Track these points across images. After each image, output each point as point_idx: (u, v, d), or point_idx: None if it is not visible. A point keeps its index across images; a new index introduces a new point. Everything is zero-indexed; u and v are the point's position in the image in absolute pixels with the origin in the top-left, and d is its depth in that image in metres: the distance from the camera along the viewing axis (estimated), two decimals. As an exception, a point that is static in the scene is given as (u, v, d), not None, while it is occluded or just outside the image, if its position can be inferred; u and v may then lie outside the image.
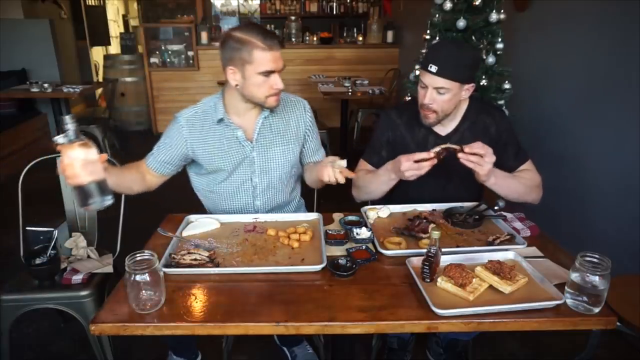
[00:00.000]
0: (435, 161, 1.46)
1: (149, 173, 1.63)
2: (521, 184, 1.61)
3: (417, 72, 1.63)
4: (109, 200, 1.14)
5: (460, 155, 1.44)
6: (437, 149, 1.46)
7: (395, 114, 1.76)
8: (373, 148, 1.78)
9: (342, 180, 1.44)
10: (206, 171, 1.66)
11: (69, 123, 1.06)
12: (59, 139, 1.07)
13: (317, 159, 1.76)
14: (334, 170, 1.43)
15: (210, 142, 1.60)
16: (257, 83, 1.47)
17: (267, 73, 1.45)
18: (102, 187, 1.12)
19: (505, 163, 1.63)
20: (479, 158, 1.43)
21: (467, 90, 1.57)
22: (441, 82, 1.50)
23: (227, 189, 1.68)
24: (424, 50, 2.86)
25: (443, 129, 1.68)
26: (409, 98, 2.99)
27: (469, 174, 1.51)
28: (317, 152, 1.77)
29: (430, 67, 1.49)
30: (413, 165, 1.46)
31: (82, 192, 1.10)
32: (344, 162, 1.45)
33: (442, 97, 1.53)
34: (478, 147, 1.43)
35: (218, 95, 1.62)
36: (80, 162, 1.07)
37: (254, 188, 1.68)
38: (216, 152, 1.60)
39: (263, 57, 1.42)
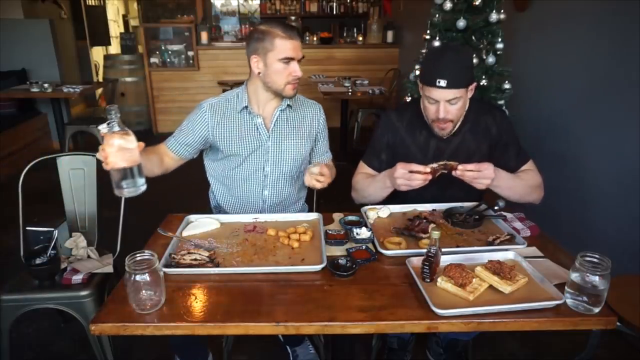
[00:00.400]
0: (429, 177, 1.47)
1: (167, 155, 1.69)
2: (522, 184, 1.61)
3: (421, 89, 1.59)
4: (142, 186, 1.18)
5: (455, 172, 1.45)
6: (435, 165, 1.47)
7: (395, 116, 1.75)
8: (373, 150, 1.78)
9: (318, 186, 1.54)
10: (222, 156, 1.71)
11: (113, 113, 1.12)
12: (103, 128, 1.13)
13: (323, 160, 1.83)
14: (310, 177, 1.53)
15: (230, 127, 1.69)
16: (277, 70, 1.56)
17: (287, 60, 1.55)
18: (138, 172, 1.16)
19: (507, 164, 1.63)
20: (476, 173, 1.44)
21: (471, 90, 1.58)
22: (452, 93, 1.49)
23: (240, 175, 1.73)
24: (421, 59, 2.86)
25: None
26: (409, 98, 2.99)
27: None
28: (325, 154, 1.86)
29: (439, 82, 1.47)
30: (406, 175, 1.47)
31: (118, 177, 1.14)
32: (316, 169, 1.52)
33: (455, 107, 1.53)
34: (473, 166, 1.44)
35: (241, 88, 1.71)
36: (117, 149, 1.11)
37: (265, 177, 1.73)
38: (234, 137, 1.68)
39: (283, 44, 1.54)
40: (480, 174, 1.44)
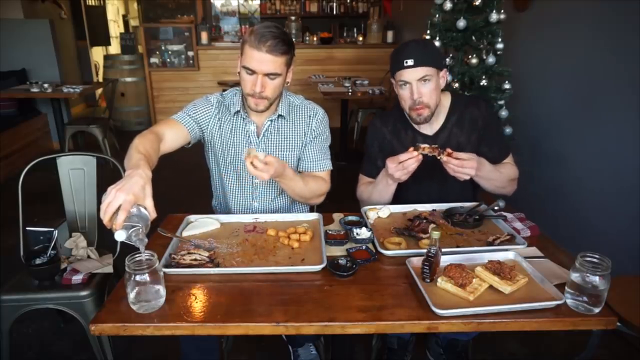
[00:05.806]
0: (419, 157, 1.48)
1: (164, 138, 1.53)
2: (502, 178, 1.64)
3: (394, 82, 1.63)
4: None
5: (442, 158, 1.47)
6: (421, 150, 1.48)
7: (379, 122, 1.78)
8: (369, 160, 1.80)
9: (252, 172, 1.34)
10: (215, 159, 1.69)
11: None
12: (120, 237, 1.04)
13: (315, 171, 1.69)
14: (248, 158, 1.35)
15: (224, 129, 1.65)
16: (242, 77, 1.52)
17: (249, 70, 1.48)
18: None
19: (491, 156, 1.64)
20: (457, 167, 1.45)
21: (443, 77, 1.60)
22: (422, 71, 1.52)
23: (230, 185, 1.70)
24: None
25: (430, 128, 1.69)
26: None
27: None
28: (315, 163, 1.68)
29: (406, 62, 1.52)
30: (399, 167, 1.49)
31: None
32: (262, 154, 1.36)
33: (427, 87, 1.54)
34: (456, 162, 1.45)
35: (239, 89, 1.65)
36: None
37: (255, 189, 1.69)
38: (226, 140, 1.65)
39: (249, 53, 1.47)
40: (461, 169, 1.46)
